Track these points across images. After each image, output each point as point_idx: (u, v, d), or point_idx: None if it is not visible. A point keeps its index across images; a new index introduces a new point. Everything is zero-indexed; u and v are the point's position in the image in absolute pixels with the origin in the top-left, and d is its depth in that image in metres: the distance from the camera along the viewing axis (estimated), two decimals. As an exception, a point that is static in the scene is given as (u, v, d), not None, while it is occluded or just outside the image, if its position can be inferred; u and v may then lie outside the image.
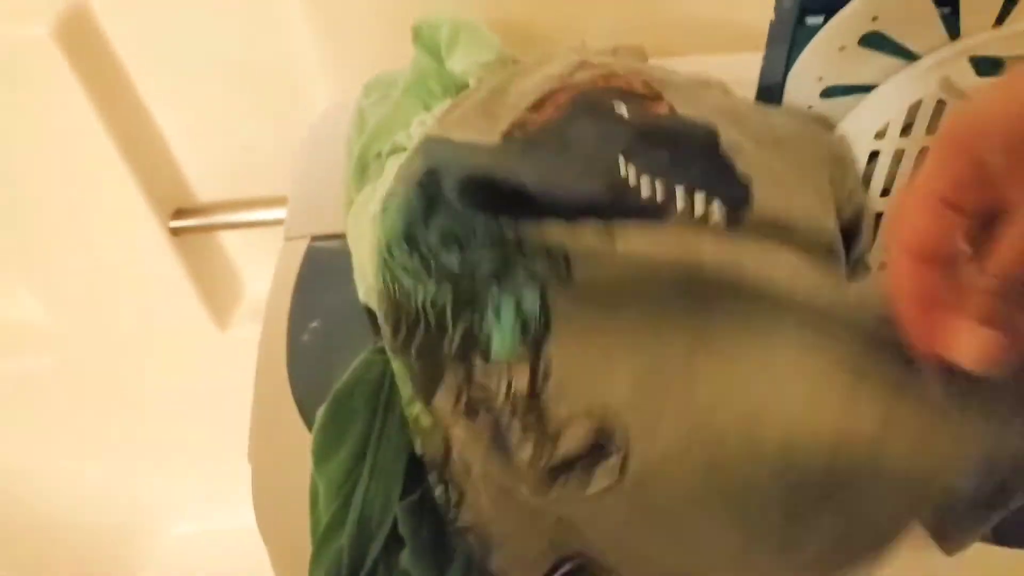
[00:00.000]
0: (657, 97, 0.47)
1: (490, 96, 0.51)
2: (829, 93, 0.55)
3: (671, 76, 0.51)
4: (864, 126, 0.54)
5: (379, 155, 0.63)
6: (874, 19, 0.50)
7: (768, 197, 0.41)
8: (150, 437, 1.15)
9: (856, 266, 0.51)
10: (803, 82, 0.54)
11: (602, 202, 0.38)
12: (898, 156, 0.55)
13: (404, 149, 0.61)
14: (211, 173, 0.93)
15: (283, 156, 0.80)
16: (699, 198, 0.38)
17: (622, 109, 0.44)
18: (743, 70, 0.58)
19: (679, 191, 0.39)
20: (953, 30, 0.51)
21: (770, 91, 0.56)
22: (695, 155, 0.41)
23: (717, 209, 0.39)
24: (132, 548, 1.30)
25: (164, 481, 1.22)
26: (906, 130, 0.54)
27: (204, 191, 0.94)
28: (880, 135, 0.54)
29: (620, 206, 0.38)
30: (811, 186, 0.46)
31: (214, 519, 1.23)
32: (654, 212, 0.37)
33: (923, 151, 0.55)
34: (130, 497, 1.25)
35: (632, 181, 0.39)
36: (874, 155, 0.55)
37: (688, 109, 0.47)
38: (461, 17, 0.61)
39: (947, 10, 0.50)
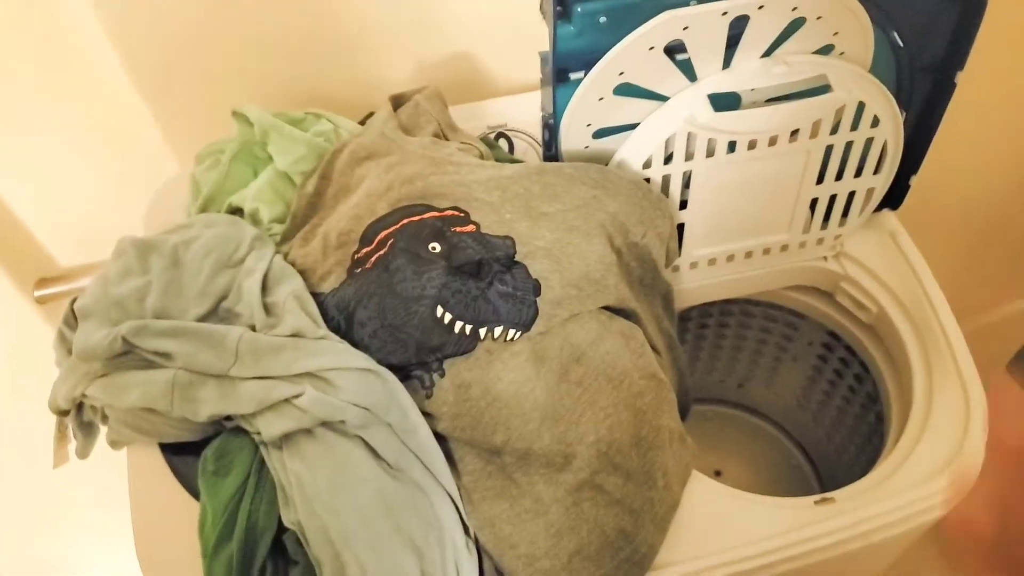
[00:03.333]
0: (466, 219, 0.58)
1: (324, 224, 0.63)
2: (599, 135, 0.63)
3: (475, 189, 0.60)
4: (633, 160, 0.63)
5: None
6: (621, 74, 0.58)
7: (554, 289, 0.57)
8: (38, 499, 1.17)
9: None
10: (576, 128, 0.62)
11: (433, 344, 0.54)
12: (666, 180, 0.64)
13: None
14: (70, 239, 0.96)
15: (141, 211, 0.84)
16: (498, 331, 0.55)
17: (436, 247, 0.56)
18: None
19: (482, 331, 0.55)
20: (690, 75, 0.60)
21: (549, 126, 0.64)
22: (494, 281, 0.56)
23: (512, 333, 0.55)
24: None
25: (60, 544, 1.24)
26: (668, 159, 0.63)
27: (65, 257, 0.97)
28: (647, 165, 0.63)
29: (444, 345, 0.55)
30: (594, 255, 0.59)
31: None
32: (467, 344, 0.55)
33: (686, 174, 0.65)
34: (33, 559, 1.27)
35: (448, 322, 0.54)
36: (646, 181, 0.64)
37: (490, 221, 0.58)
38: (267, 117, 0.68)
39: (684, 56, 0.59)
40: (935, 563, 1.13)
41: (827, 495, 0.63)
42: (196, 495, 0.57)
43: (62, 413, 0.62)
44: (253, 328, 0.56)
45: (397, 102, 0.71)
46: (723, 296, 0.78)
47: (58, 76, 0.81)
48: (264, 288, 0.58)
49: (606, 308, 0.60)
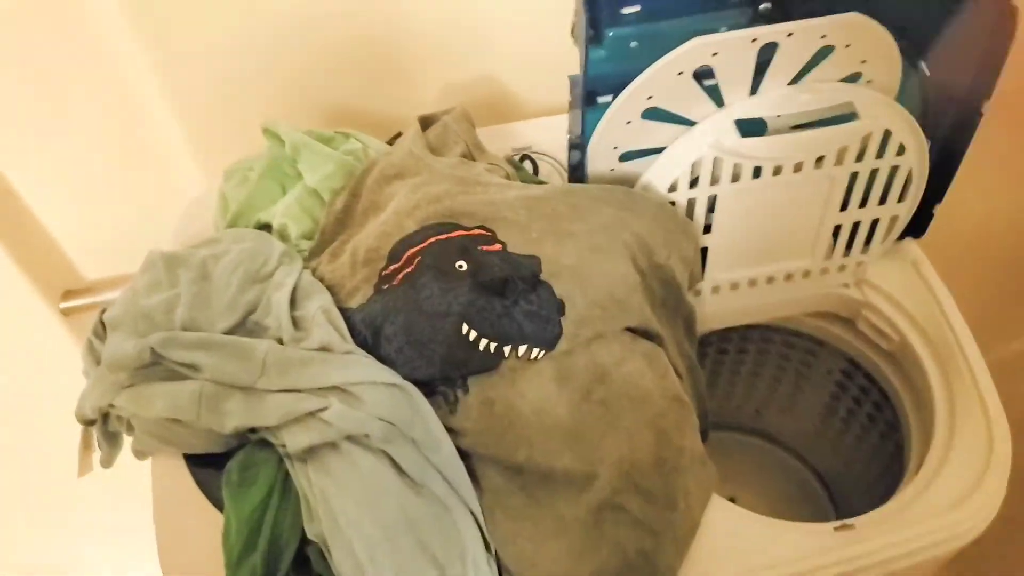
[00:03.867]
0: (493, 238, 0.59)
1: (352, 241, 0.63)
2: (626, 157, 0.64)
3: (503, 208, 0.61)
4: (659, 183, 0.63)
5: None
6: (649, 98, 0.59)
7: (578, 309, 0.57)
8: (54, 507, 1.18)
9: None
10: (603, 150, 0.63)
11: (457, 360, 0.55)
12: (691, 204, 0.65)
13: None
14: (96, 252, 0.97)
15: (168, 226, 0.85)
16: (522, 349, 0.55)
17: (462, 265, 0.57)
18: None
19: (506, 349, 0.55)
20: (718, 100, 0.61)
21: (577, 147, 0.64)
22: (519, 299, 0.56)
23: (536, 351, 0.56)
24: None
25: (72, 551, 1.24)
26: (694, 183, 0.64)
27: (91, 270, 0.98)
28: (673, 189, 0.64)
29: (469, 361, 0.55)
30: (618, 275, 0.59)
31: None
32: (491, 361, 0.55)
33: (711, 198, 0.65)
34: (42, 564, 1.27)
35: (472, 339, 0.55)
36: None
37: (517, 240, 0.59)
38: (297, 135, 0.69)
39: (712, 82, 0.60)
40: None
41: (847, 521, 0.63)
42: (219, 506, 0.57)
43: (88, 423, 0.63)
44: (280, 341, 0.57)
45: (425, 123, 0.73)
46: (744, 321, 0.78)
47: (88, 90, 0.83)
48: (292, 302, 0.59)
49: (629, 329, 0.60)
